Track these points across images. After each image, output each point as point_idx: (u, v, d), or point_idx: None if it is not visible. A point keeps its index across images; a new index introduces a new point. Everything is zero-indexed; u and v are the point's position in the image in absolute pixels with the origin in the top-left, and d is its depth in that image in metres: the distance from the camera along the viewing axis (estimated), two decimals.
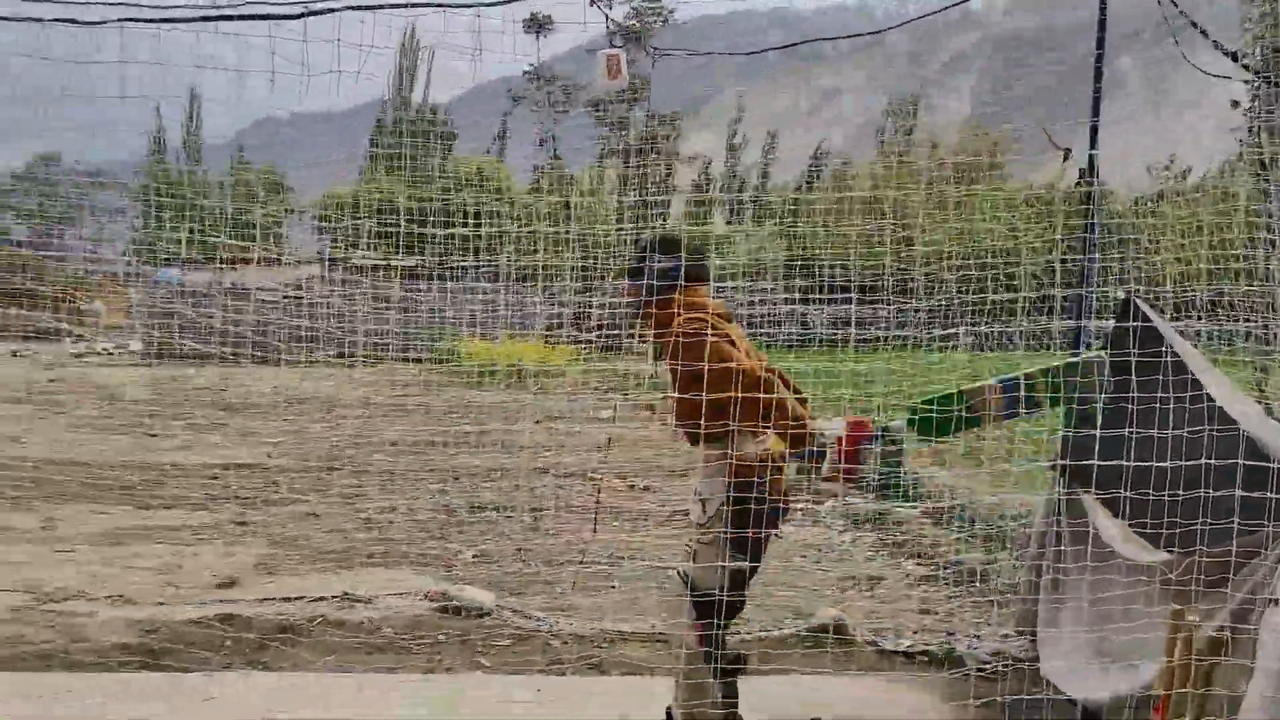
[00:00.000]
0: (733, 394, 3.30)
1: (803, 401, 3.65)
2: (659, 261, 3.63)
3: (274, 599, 5.66)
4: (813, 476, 3.47)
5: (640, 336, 3.77)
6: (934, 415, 3.49)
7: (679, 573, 3.60)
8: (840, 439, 3.39)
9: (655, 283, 3.62)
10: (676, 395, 3.44)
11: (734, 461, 3.40)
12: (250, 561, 6.52)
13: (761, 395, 3.33)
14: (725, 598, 3.43)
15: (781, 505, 3.59)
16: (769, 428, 3.41)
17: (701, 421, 3.33)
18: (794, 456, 3.49)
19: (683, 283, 3.65)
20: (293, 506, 8.20)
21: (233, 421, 12.72)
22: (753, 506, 3.41)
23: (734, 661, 3.63)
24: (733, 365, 3.33)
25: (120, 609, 5.42)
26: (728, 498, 3.42)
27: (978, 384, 3.51)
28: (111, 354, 20.89)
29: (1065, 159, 4.33)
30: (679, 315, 3.54)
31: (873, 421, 3.52)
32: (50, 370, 18.18)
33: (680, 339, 3.44)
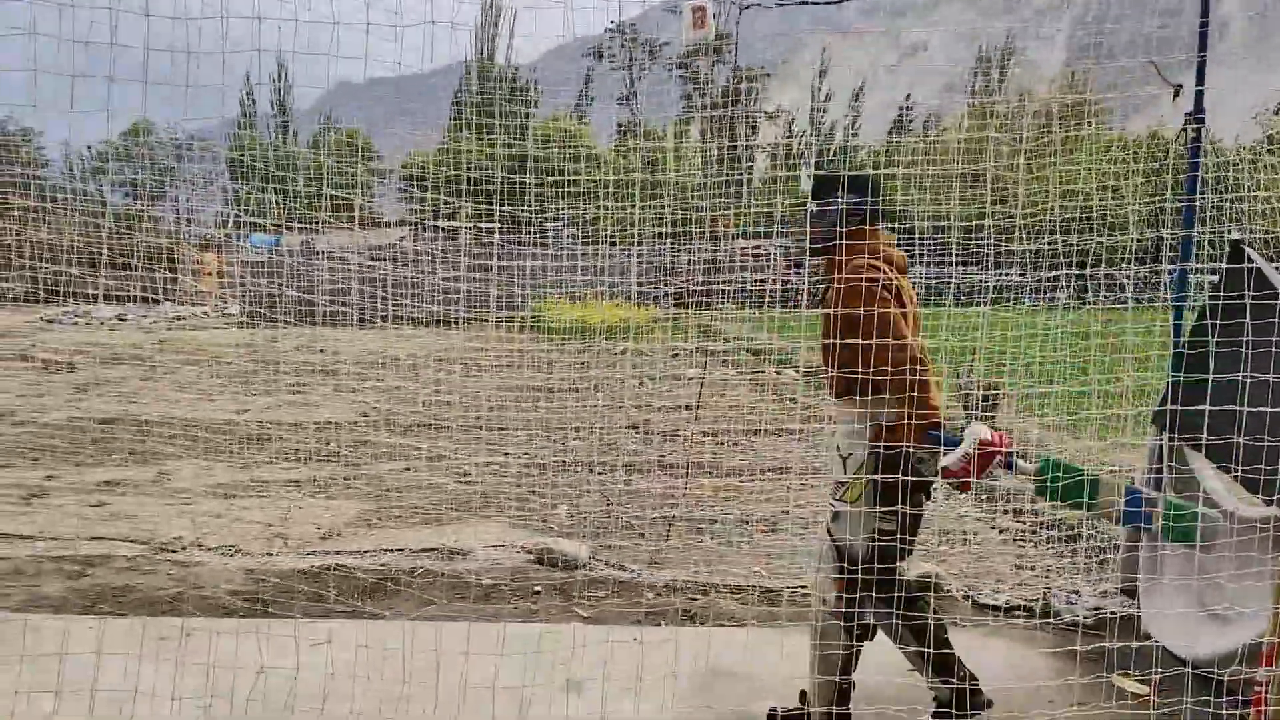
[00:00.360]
0: (887, 358, 3.15)
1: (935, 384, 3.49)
2: (843, 200, 3.42)
3: (375, 551, 5.89)
4: (936, 467, 3.28)
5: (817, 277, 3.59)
6: (1057, 483, 3.33)
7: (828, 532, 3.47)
8: (980, 444, 3.19)
9: (836, 224, 3.43)
10: (835, 341, 3.29)
11: (883, 423, 3.26)
12: (351, 516, 6.78)
13: (916, 372, 3.15)
14: (871, 565, 3.28)
15: (928, 478, 3.35)
16: (915, 402, 3.21)
17: (858, 371, 3.19)
18: (928, 438, 3.35)
19: (865, 225, 3.45)
20: (390, 464, 8.47)
21: (330, 381, 13.15)
22: (900, 475, 3.24)
23: (864, 634, 3.47)
24: (891, 339, 3.18)
25: (231, 559, 5.71)
26: (875, 458, 3.29)
27: (1110, 482, 3.32)
28: (210, 317, 21.76)
29: (1175, 96, 4.15)
30: (856, 260, 3.36)
31: (1009, 436, 3.34)
32: (151, 334, 19.05)
33: (848, 285, 3.28)
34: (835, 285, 3.35)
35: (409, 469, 8.28)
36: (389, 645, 3.07)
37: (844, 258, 3.42)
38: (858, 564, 3.32)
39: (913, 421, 3.21)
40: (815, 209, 3.51)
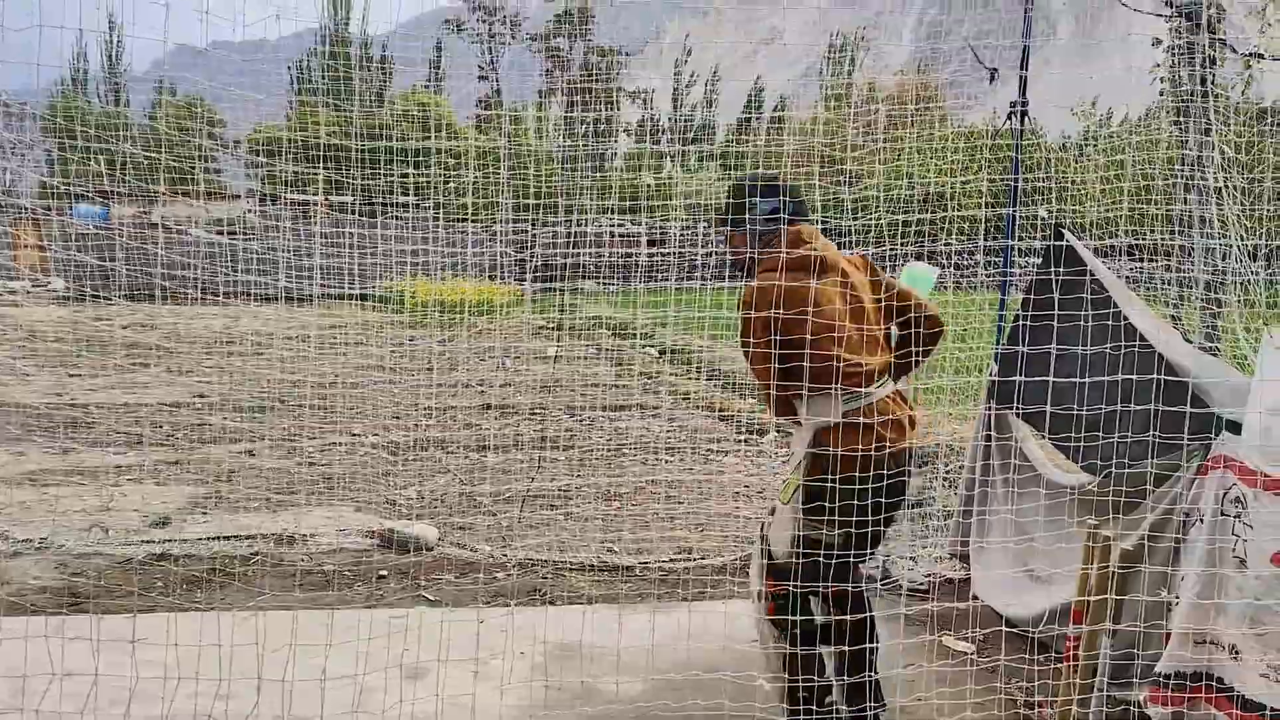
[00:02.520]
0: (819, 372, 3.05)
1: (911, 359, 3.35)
2: (759, 203, 3.29)
3: (208, 539, 5.56)
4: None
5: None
6: None
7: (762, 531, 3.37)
8: None
9: (758, 227, 3.29)
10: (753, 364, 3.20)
11: (827, 427, 3.14)
12: (183, 502, 6.39)
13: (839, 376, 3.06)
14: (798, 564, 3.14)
15: (881, 483, 3.10)
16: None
17: (771, 390, 3.14)
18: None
19: (784, 224, 3.28)
20: (228, 446, 8.03)
21: (161, 360, 12.38)
22: (831, 483, 3.07)
23: (806, 636, 3.26)
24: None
25: (44, 551, 5.28)
26: (810, 461, 3.16)
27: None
28: (30, 293, 20.12)
29: (991, 79, 4.35)
30: (756, 281, 3.20)
31: None
32: None
33: (741, 316, 3.16)
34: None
35: (250, 452, 7.88)
36: (212, 641, 2.88)
37: (757, 272, 3.28)
38: (784, 569, 3.19)
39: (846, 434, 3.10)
40: (732, 220, 3.38)
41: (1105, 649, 3.04)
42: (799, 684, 3.23)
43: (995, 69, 4.32)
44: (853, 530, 3.07)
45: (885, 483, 3.10)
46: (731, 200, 3.43)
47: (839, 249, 3.43)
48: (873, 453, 3.07)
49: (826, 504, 3.06)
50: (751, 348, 3.19)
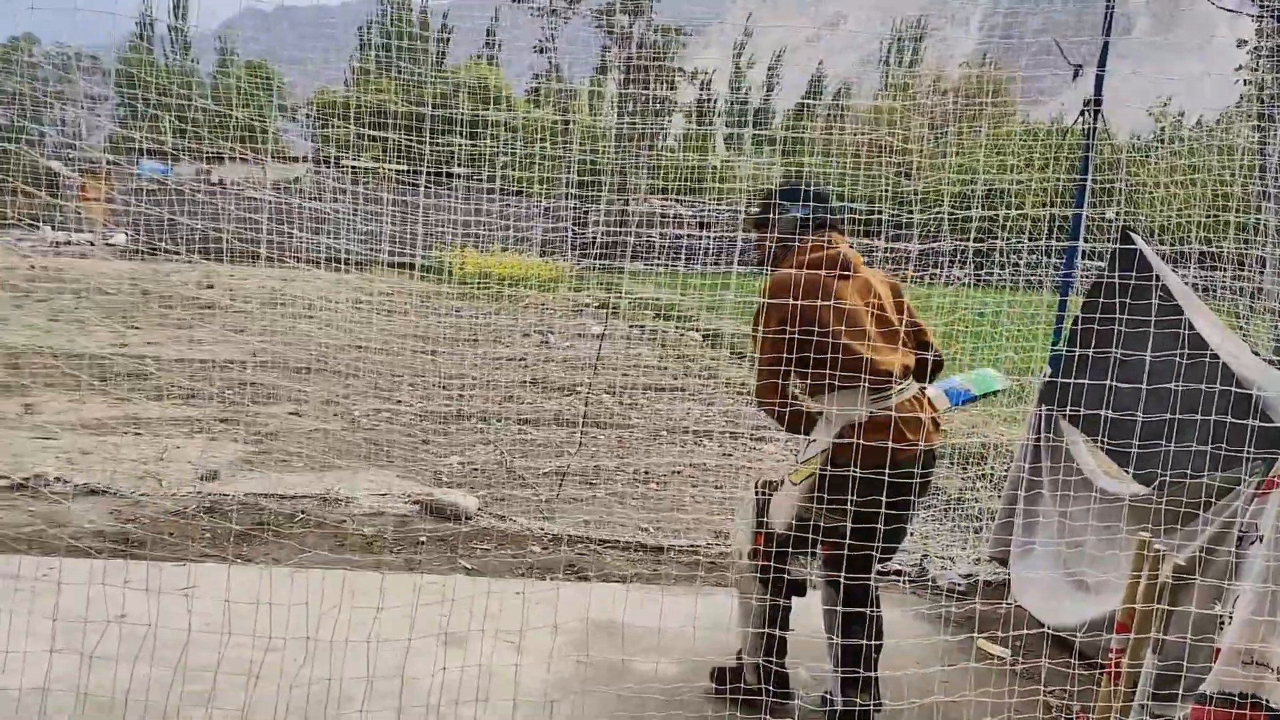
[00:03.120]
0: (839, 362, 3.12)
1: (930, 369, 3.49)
2: (783, 210, 3.39)
3: (255, 495, 5.68)
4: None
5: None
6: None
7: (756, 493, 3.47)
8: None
9: (782, 236, 3.38)
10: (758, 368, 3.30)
11: (854, 422, 3.16)
12: (232, 458, 6.52)
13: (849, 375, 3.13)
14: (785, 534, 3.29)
15: (906, 481, 3.13)
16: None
17: (775, 404, 3.26)
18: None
19: (809, 233, 3.36)
20: (277, 406, 8.18)
21: (217, 318, 12.62)
22: (854, 473, 3.08)
23: (789, 588, 3.44)
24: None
25: (100, 498, 5.43)
26: (827, 452, 3.19)
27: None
28: (94, 246, 20.61)
29: (1075, 75, 4.24)
30: (777, 273, 3.30)
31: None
32: (27, 258, 17.95)
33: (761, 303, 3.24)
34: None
35: (296, 413, 8.02)
36: (259, 594, 2.94)
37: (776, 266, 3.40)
38: (777, 539, 3.32)
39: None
40: (756, 222, 3.50)
41: (1150, 662, 2.98)
42: (776, 636, 3.40)
43: (1080, 65, 4.22)
44: (869, 525, 3.10)
45: (909, 481, 3.13)
46: (761, 203, 3.55)
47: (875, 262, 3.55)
48: (897, 450, 3.09)
49: (825, 494, 3.16)
50: (761, 334, 3.26)
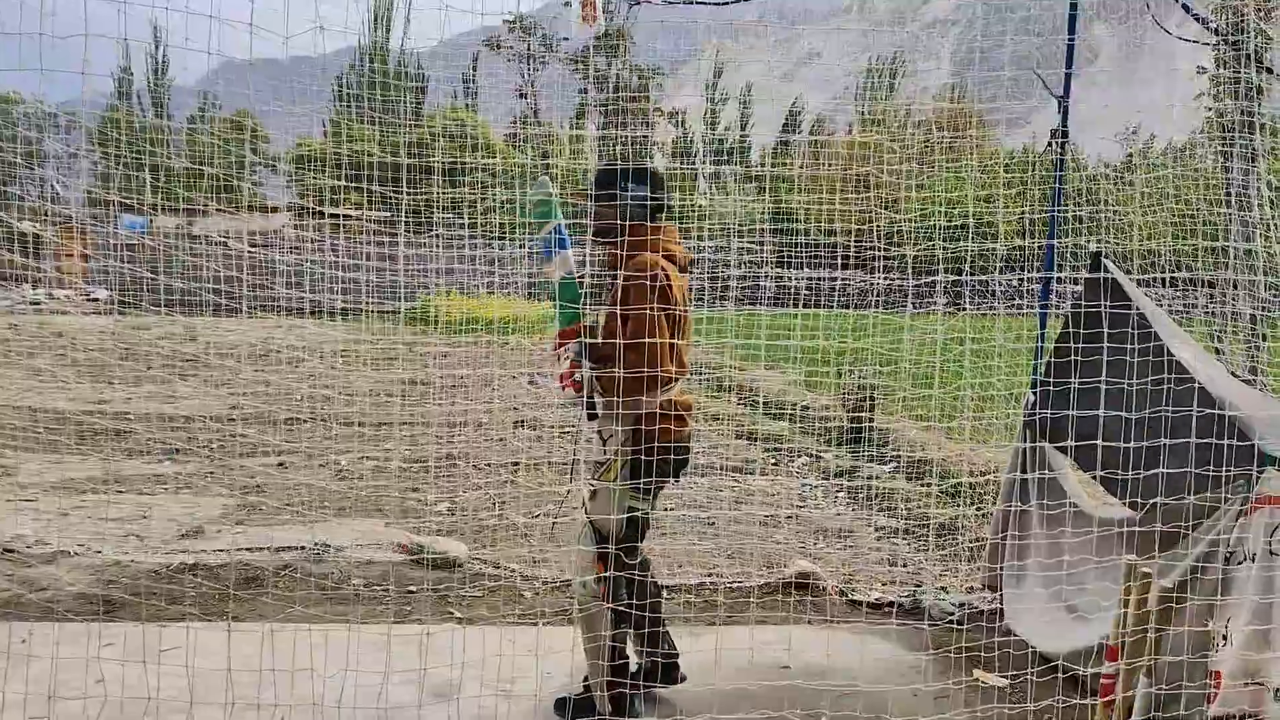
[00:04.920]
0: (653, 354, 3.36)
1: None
2: (631, 190, 3.54)
3: (240, 549, 5.61)
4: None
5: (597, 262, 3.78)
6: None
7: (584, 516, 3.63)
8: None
9: (621, 218, 3.53)
10: (621, 341, 3.44)
11: (642, 410, 3.45)
12: (216, 513, 6.45)
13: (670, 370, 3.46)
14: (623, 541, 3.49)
15: (681, 457, 3.66)
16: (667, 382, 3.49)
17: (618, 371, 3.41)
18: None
19: (655, 221, 3.63)
20: (262, 458, 8.11)
21: (199, 372, 12.56)
22: (649, 455, 3.44)
23: (648, 607, 3.62)
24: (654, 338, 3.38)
25: (80, 559, 5.35)
26: (632, 437, 3.46)
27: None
28: (73, 301, 20.51)
29: (1059, 108, 4.31)
30: (641, 255, 3.51)
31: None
32: (5, 317, 17.87)
33: (635, 284, 3.42)
34: (619, 281, 3.50)
35: (282, 464, 7.95)
36: (242, 652, 2.90)
37: (626, 253, 3.54)
38: (613, 542, 3.45)
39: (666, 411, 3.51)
40: (599, 201, 3.60)
41: (1141, 688, 2.97)
42: (626, 661, 3.61)
43: (1062, 97, 4.30)
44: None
45: (682, 460, 3.65)
46: (604, 178, 3.65)
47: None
48: (684, 433, 3.59)
49: (649, 477, 3.45)
50: (638, 314, 3.39)
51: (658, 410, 3.47)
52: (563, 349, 3.58)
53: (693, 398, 3.72)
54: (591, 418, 3.58)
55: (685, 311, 3.63)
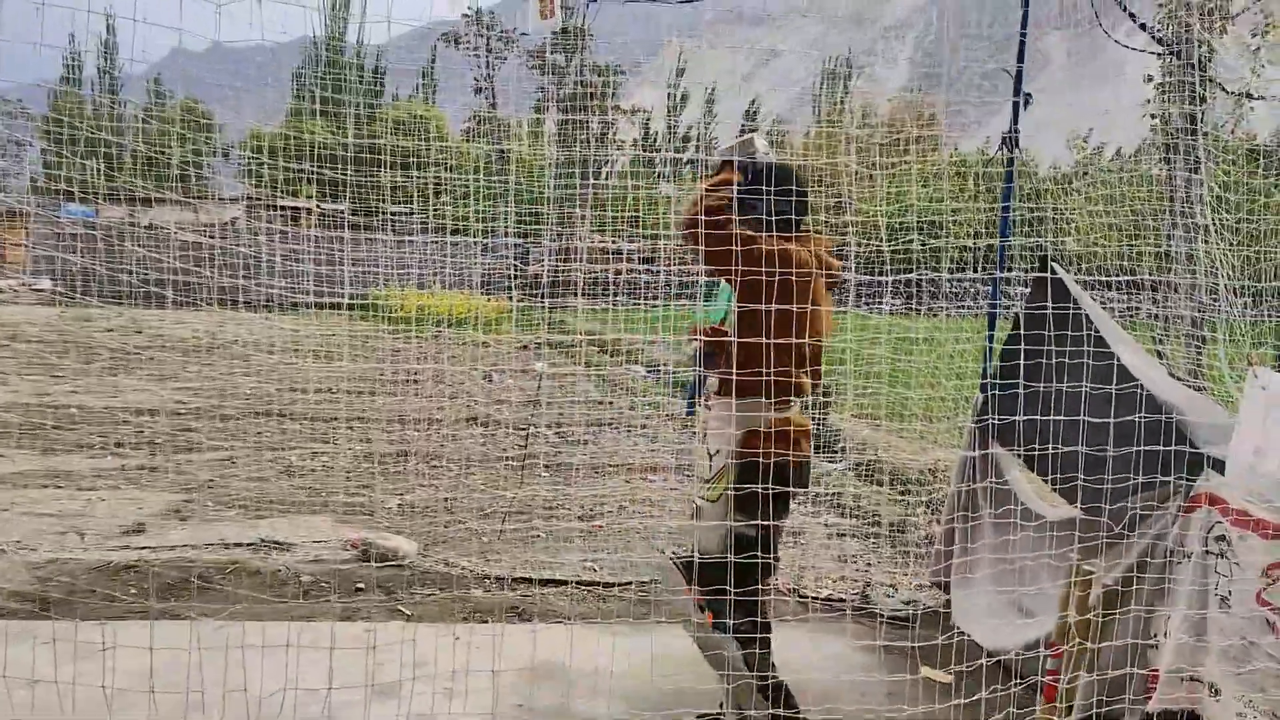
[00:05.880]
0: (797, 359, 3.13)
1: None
2: (773, 193, 3.17)
3: (184, 546, 5.49)
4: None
5: (712, 260, 3.17)
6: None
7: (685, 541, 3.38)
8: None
9: (769, 218, 3.16)
10: (765, 340, 3.07)
11: (761, 426, 3.17)
12: (160, 509, 6.31)
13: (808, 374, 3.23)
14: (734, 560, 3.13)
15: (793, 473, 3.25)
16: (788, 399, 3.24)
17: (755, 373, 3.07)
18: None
19: (801, 230, 3.33)
20: (209, 454, 7.96)
21: (145, 366, 12.29)
22: (762, 468, 3.13)
23: (758, 629, 3.26)
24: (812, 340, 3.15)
25: (17, 555, 5.20)
26: (739, 456, 3.18)
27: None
28: (17, 292, 19.97)
29: (1026, 104, 4.37)
30: (794, 250, 3.16)
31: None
32: None
33: (796, 280, 3.08)
34: (761, 277, 3.05)
35: (230, 459, 7.81)
36: (183, 648, 2.83)
37: (774, 248, 3.13)
38: (720, 567, 3.13)
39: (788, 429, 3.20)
40: (744, 196, 3.19)
41: (1085, 681, 3.02)
42: (769, 678, 3.22)
43: (1029, 94, 4.35)
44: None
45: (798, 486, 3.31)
46: (753, 161, 3.30)
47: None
48: (798, 457, 3.24)
49: (758, 506, 3.13)
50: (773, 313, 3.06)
51: (773, 429, 3.17)
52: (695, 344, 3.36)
53: (808, 421, 3.38)
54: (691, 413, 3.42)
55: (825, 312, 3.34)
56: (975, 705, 3.58)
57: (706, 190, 3.15)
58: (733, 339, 3.20)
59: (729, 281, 3.23)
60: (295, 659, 2.99)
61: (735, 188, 3.16)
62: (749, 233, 3.13)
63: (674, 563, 3.36)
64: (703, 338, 3.35)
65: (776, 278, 3.04)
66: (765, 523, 3.14)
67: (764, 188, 3.19)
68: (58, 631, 3.70)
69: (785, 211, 3.23)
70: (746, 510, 3.15)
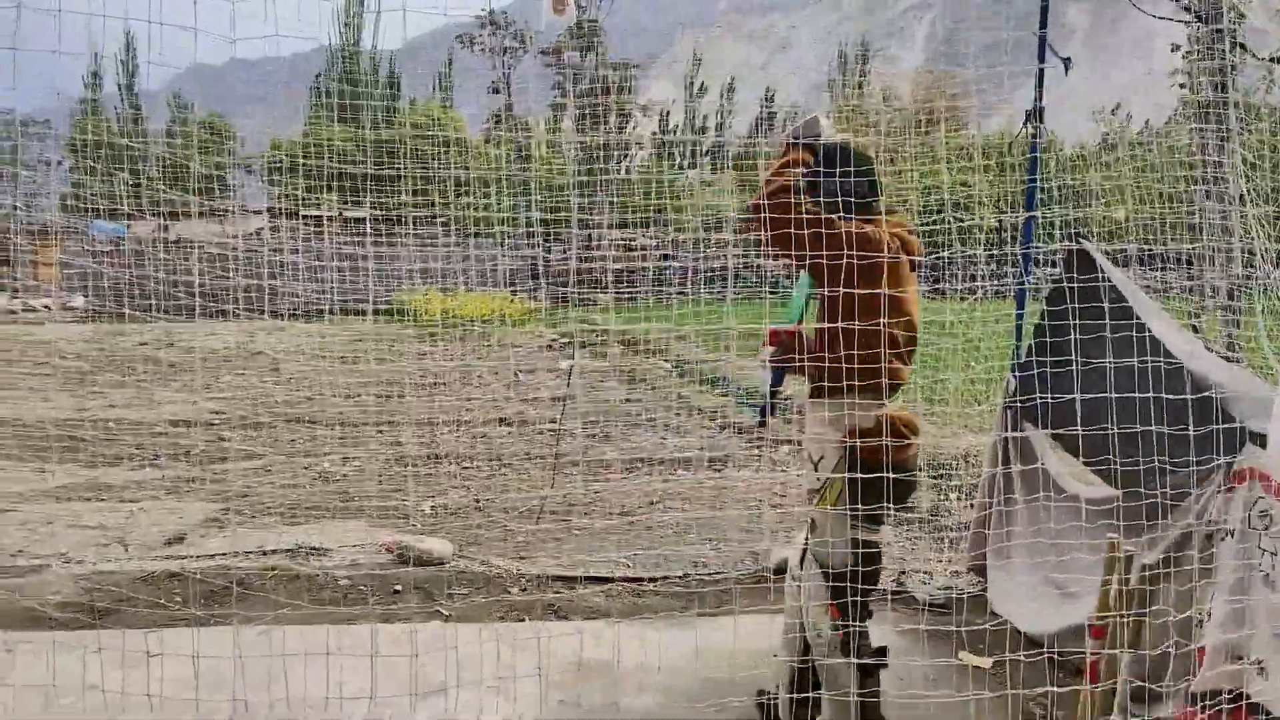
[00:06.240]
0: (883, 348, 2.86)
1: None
2: (848, 175, 2.97)
3: (225, 554, 5.57)
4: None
5: (782, 245, 2.88)
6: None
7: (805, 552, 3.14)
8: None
9: (845, 199, 2.94)
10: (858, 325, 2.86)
11: (858, 421, 2.97)
12: (200, 518, 6.40)
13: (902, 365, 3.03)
14: (858, 569, 2.97)
15: (900, 475, 3.01)
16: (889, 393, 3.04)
17: (846, 366, 2.85)
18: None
19: (874, 211, 3.08)
20: (244, 462, 8.05)
21: (180, 378, 12.46)
22: (868, 473, 2.94)
23: (876, 652, 3.05)
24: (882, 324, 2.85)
25: (64, 567, 5.29)
26: (844, 458, 2.96)
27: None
28: (50, 309, 20.30)
29: (1067, 70, 4.30)
30: (879, 232, 2.95)
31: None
32: None
33: (888, 262, 2.89)
34: (842, 262, 2.82)
35: (265, 468, 7.90)
36: (227, 654, 2.87)
37: (856, 230, 2.89)
38: (845, 579, 2.95)
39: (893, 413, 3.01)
40: (819, 179, 3.01)
41: (1125, 666, 2.98)
42: (877, 702, 3.03)
43: (1069, 58, 4.24)
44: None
45: (909, 484, 3.09)
46: (826, 142, 3.12)
47: None
48: (907, 455, 3.05)
49: (881, 500, 2.96)
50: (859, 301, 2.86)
51: (884, 424, 2.97)
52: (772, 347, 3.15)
53: (916, 416, 3.16)
54: (762, 424, 3.26)
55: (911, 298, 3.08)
56: (1015, 688, 3.56)
57: (773, 174, 2.94)
58: (820, 327, 2.95)
59: (802, 269, 3.00)
60: (338, 664, 3.02)
61: (804, 170, 2.98)
62: (829, 216, 2.89)
63: (808, 573, 3.11)
64: (780, 340, 3.13)
65: (863, 261, 2.81)
66: (879, 525, 3.02)
67: (838, 168, 2.97)
68: (105, 640, 3.76)
69: (860, 192, 3.01)
70: (862, 515, 2.96)
